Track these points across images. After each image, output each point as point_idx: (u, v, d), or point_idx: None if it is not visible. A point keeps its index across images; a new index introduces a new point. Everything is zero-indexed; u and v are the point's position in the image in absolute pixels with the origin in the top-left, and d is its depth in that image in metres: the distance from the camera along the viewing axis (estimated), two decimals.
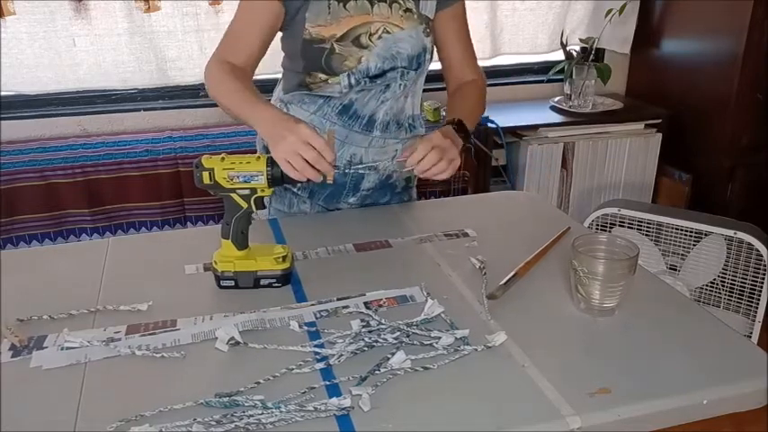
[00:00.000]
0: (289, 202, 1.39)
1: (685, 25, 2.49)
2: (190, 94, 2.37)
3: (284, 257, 1.06)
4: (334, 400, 0.79)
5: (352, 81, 1.26)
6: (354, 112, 1.29)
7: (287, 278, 1.07)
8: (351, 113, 1.29)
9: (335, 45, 1.23)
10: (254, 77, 1.26)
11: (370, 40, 1.24)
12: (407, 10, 1.26)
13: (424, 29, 1.28)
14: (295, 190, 1.37)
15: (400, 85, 1.29)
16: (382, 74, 1.26)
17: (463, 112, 1.26)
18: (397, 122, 1.34)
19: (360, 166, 1.32)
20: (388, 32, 1.24)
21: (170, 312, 0.99)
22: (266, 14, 1.21)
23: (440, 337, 0.90)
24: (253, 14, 1.22)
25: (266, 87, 1.43)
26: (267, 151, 1.36)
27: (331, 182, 1.05)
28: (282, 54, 1.33)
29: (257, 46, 1.23)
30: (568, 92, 2.56)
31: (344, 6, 1.22)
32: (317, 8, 1.22)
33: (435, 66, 1.38)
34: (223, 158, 1.02)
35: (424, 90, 1.38)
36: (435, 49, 1.35)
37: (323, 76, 1.27)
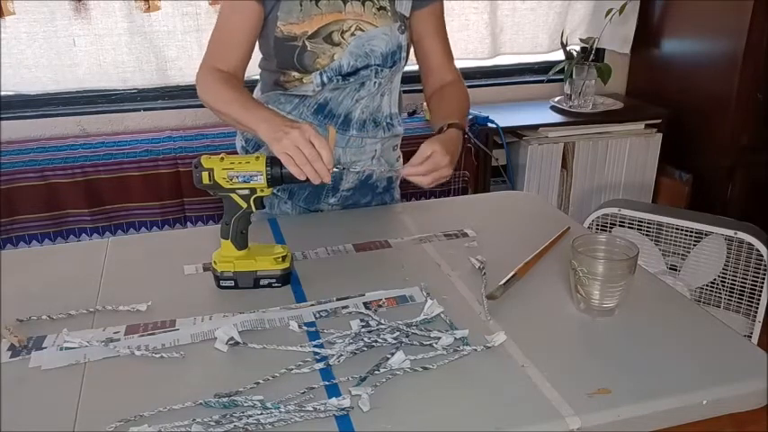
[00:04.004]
0: (269, 203, 1.38)
1: (685, 25, 2.49)
2: (190, 94, 2.36)
3: (284, 257, 1.06)
4: (334, 400, 0.79)
5: (324, 79, 1.25)
6: (330, 110, 1.29)
7: (286, 278, 1.07)
8: (326, 112, 1.29)
9: (307, 42, 1.23)
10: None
11: (343, 38, 1.23)
12: (381, 8, 1.25)
13: (399, 26, 1.26)
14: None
15: (375, 83, 1.28)
16: (355, 72, 1.25)
17: (460, 116, 1.25)
18: (375, 121, 1.32)
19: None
20: (361, 30, 1.24)
21: (169, 312, 0.99)
22: (248, 18, 1.22)
23: (439, 338, 0.90)
24: (235, 20, 1.23)
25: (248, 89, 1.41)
26: (247, 152, 1.37)
27: (328, 182, 1.05)
28: (260, 55, 1.32)
29: (244, 50, 1.24)
30: (568, 92, 2.56)
31: (316, 4, 1.22)
32: (288, 6, 1.21)
33: (413, 67, 1.36)
34: (222, 158, 1.02)
35: (405, 92, 1.37)
36: (412, 48, 1.34)
37: (297, 75, 1.27)
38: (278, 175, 1.02)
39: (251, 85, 1.38)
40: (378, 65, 1.26)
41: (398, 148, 1.43)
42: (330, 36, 1.23)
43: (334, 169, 1.05)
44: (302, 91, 1.28)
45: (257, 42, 1.29)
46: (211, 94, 1.21)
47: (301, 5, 1.22)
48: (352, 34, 1.23)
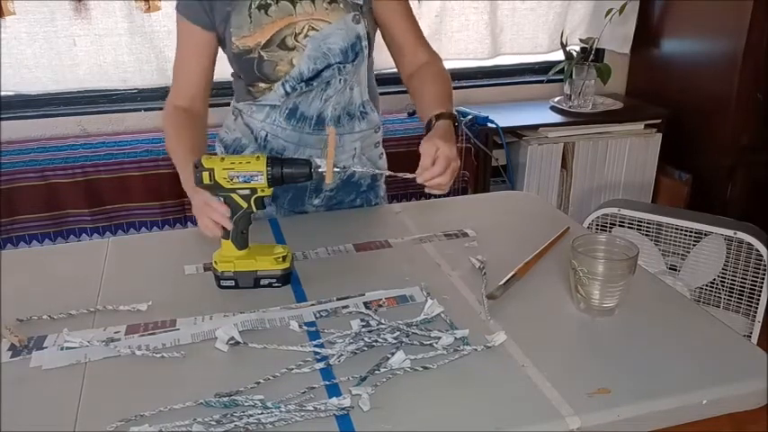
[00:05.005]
0: None
1: (685, 25, 2.49)
2: None
3: (284, 257, 1.06)
4: (334, 399, 0.79)
5: (288, 88, 1.24)
6: (301, 114, 1.28)
7: (287, 278, 1.07)
8: (298, 116, 1.28)
9: (262, 53, 1.21)
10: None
11: (297, 41, 1.22)
12: (332, 1, 1.22)
13: (354, 16, 1.23)
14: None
15: (340, 80, 1.26)
16: (317, 74, 1.24)
17: (446, 103, 1.20)
18: (348, 114, 1.31)
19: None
20: (314, 29, 1.22)
21: (170, 312, 0.99)
22: (197, 46, 1.24)
23: (439, 337, 0.90)
24: (185, 50, 1.26)
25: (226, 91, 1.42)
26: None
27: (329, 182, 1.05)
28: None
29: (198, 79, 1.27)
30: (568, 92, 2.56)
31: (266, 13, 1.21)
32: (238, 20, 1.21)
33: (390, 69, 1.34)
34: (223, 158, 1.02)
35: (381, 93, 1.35)
36: (380, 35, 1.32)
37: (263, 85, 1.26)
38: (278, 175, 1.02)
39: (227, 86, 1.38)
40: (339, 62, 1.24)
41: (381, 145, 1.40)
42: (284, 41, 1.22)
43: (335, 169, 1.05)
44: (271, 100, 1.27)
45: (228, 59, 1.29)
46: (166, 140, 1.27)
47: (251, 17, 1.20)
48: (305, 35, 1.22)
